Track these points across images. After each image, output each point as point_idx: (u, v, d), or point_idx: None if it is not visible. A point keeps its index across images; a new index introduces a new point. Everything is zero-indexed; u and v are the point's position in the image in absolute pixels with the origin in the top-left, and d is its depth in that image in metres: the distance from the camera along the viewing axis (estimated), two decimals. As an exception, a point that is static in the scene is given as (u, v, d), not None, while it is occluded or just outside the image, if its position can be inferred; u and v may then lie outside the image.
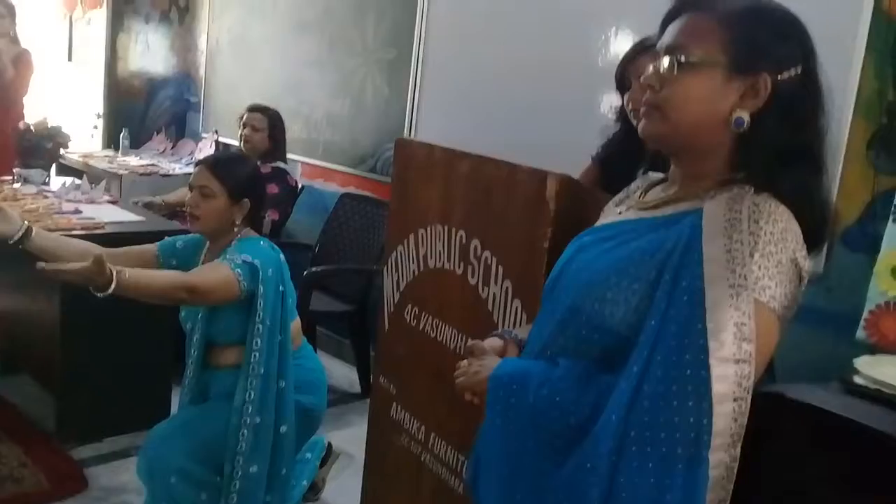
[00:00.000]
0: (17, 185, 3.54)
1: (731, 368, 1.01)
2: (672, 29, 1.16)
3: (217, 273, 2.07)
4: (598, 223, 1.38)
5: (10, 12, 4.63)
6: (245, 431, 2.16)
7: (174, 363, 3.27)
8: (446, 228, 1.97)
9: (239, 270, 2.07)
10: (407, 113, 3.71)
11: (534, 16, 3.15)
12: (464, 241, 1.91)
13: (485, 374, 1.30)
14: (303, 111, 4.25)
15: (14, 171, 3.75)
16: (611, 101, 2.84)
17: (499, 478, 1.27)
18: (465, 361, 1.39)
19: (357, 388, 3.71)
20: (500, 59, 3.25)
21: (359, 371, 3.73)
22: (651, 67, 1.15)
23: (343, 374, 3.84)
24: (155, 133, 5.37)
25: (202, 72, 5.02)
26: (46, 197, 3.35)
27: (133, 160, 4.84)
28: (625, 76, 1.93)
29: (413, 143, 2.21)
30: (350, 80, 4.03)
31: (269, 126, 3.75)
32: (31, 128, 4.21)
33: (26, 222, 2.11)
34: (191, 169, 4.63)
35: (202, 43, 5.03)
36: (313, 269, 3.64)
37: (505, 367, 1.30)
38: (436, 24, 3.56)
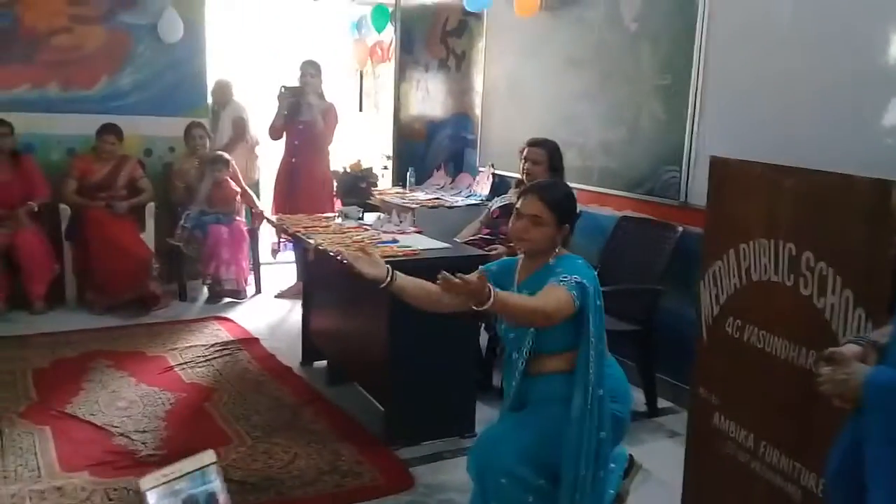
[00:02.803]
0: (338, 221, 4.07)
1: None
2: None
3: (560, 296, 2.22)
4: None
5: (318, 72, 5.34)
6: (581, 440, 2.29)
7: (477, 379, 3.61)
8: (772, 242, 2.03)
9: (575, 292, 2.23)
10: (686, 135, 3.77)
11: (813, 23, 3.12)
12: (793, 253, 1.96)
13: (856, 381, 1.35)
14: (577, 141, 4.46)
15: (335, 208, 4.29)
16: (894, 111, 2.77)
17: (884, 492, 1.31)
18: (827, 368, 1.44)
19: (643, 408, 3.75)
20: (782, 73, 3.24)
21: (645, 390, 3.76)
22: None
23: (627, 392, 3.92)
24: (435, 170, 5.86)
25: (478, 111, 5.43)
26: (366, 230, 3.81)
27: (420, 195, 5.34)
28: None
29: (730, 161, 2.28)
30: (624, 108, 4.17)
31: (548, 158, 3.94)
32: (348, 169, 4.77)
33: (389, 267, 2.37)
34: (471, 201, 5.07)
35: (478, 84, 5.44)
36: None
37: (880, 375, 1.34)
38: (714, 46, 3.61)
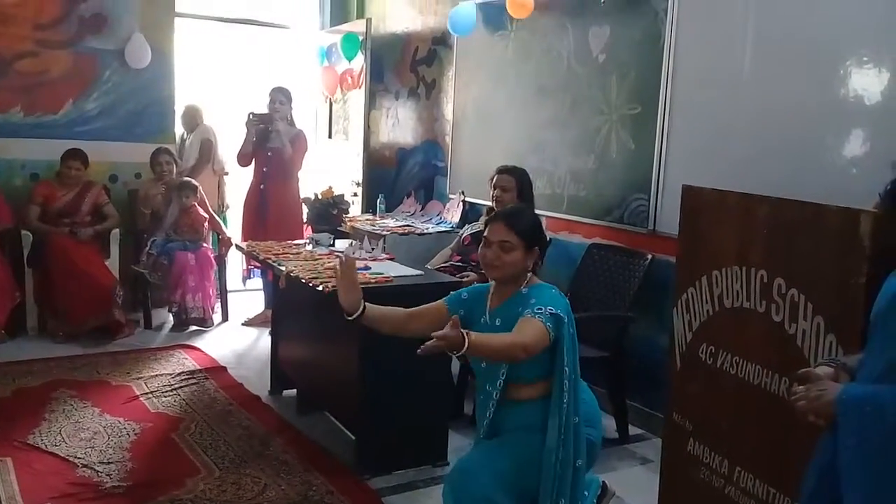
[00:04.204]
0: (309, 247, 4.04)
1: None
2: None
3: (536, 329, 2.23)
4: None
5: (289, 99, 5.34)
6: (558, 467, 2.30)
7: (449, 407, 3.59)
8: (744, 269, 2.07)
9: (550, 323, 2.24)
10: (654, 164, 3.84)
11: (778, 56, 3.21)
12: (765, 280, 2.00)
13: (829, 398, 1.39)
14: (547, 169, 4.50)
15: (305, 235, 4.27)
16: (858, 140, 2.86)
17: (861, 494, 1.34)
18: (801, 387, 1.48)
19: (614, 434, 3.75)
20: (748, 104, 3.32)
21: (616, 417, 3.78)
22: None
23: (596, 419, 3.93)
24: (405, 197, 5.86)
25: (448, 139, 5.47)
26: (338, 256, 3.79)
27: (390, 222, 5.33)
28: None
29: (703, 190, 2.32)
30: (593, 136, 4.23)
31: (517, 185, 3.97)
32: (319, 196, 4.76)
33: (363, 301, 2.37)
34: (442, 228, 5.08)
35: (448, 112, 5.48)
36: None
37: (852, 390, 1.39)
38: (681, 77, 3.68)
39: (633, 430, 3.80)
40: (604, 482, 2.97)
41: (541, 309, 2.28)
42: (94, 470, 3.17)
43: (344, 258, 2.48)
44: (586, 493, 2.88)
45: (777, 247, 1.95)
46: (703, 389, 2.20)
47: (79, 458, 3.27)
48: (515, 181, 3.98)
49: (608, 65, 4.12)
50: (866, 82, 2.88)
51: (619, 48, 4.05)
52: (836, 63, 2.96)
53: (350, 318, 2.40)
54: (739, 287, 2.06)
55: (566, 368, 2.31)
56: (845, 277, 1.75)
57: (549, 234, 4.31)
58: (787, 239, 1.92)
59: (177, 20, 5.88)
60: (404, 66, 5.98)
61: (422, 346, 2.04)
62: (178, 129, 6.09)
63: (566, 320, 2.35)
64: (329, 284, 3.14)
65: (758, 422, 1.92)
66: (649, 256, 3.81)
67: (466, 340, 2.05)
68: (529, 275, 2.48)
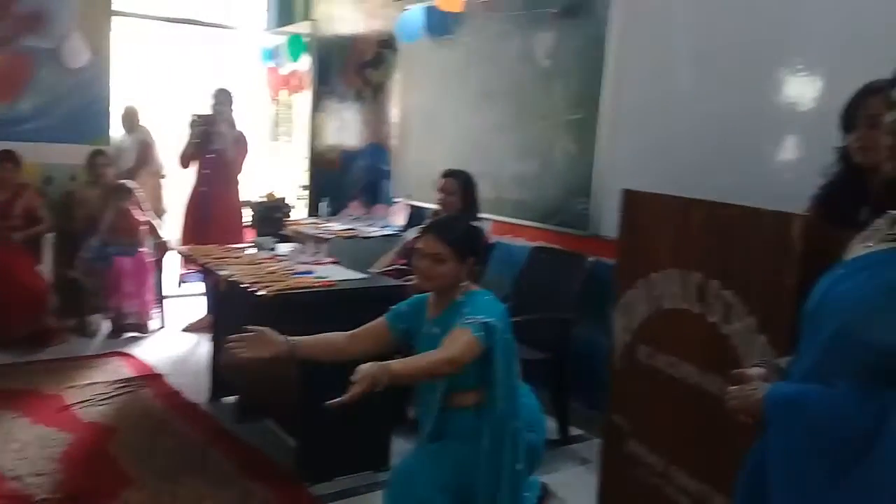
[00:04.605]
0: (252, 251, 3.97)
1: None
2: None
3: (464, 341, 2.22)
4: (849, 257, 1.48)
5: (229, 100, 5.25)
6: (494, 472, 2.30)
7: (393, 412, 3.56)
8: (681, 271, 2.10)
9: (480, 333, 2.23)
10: (595, 168, 3.88)
11: (714, 65, 3.28)
12: (701, 282, 2.03)
13: (759, 396, 1.41)
14: (491, 172, 4.51)
15: (247, 238, 4.20)
16: (792, 146, 2.94)
17: (783, 491, 1.36)
18: (733, 388, 1.50)
19: (556, 436, 3.75)
20: (686, 110, 3.38)
21: (557, 418, 3.81)
22: (889, 116, 1.29)
23: (539, 420, 3.95)
24: (350, 200, 5.82)
25: (394, 142, 5.44)
26: (281, 261, 3.74)
27: (335, 225, 5.28)
28: (852, 117, 1.99)
29: (641, 193, 2.35)
30: (537, 141, 4.26)
31: (461, 189, 3.99)
32: (262, 200, 4.69)
33: (286, 338, 2.28)
34: (387, 231, 5.05)
35: (394, 116, 5.46)
36: (513, 319, 3.81)
37: (778, 389, 1.41)
38: (621, 84, 3.74)
39: (574, 431, 3.82)
40: (544, 484, 2.99)
41: (471, 319, 2.26)
42: (24, 482, 3.05)
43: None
44: (527, 493, 2.90)
45: (712, 249, 1.98)
46: (641, 390, 2.23)
47: (8, 469, 3.15)
48: (460, 185, 3.99)
49: (552, 71, 4.16)
50: (799, 91, 2.95)
51: (563, 54, 4.09)
52: (771, 72, 3.03)
53: (286, 359, 2.33)
54: (676, 289, 2.10)
55: (499, 375, 2.30)
56: (777, 278, 1.79)
57: (493, 238, 4.33)
58: (721, 241, 1.96)
59: (117, 19, 5.73)
60: (350, 68, 5.94)
61: (337, 400, 2.00)
62: (116, 131, 5.93)
63: (500, 327, 2.34)
64: (272, 288, 3.09)
65: (694, 421, 1.94)
66: (591, 259, 3.85)
67: (390, 375, 2.03)
68: (466, 283, 2.47)
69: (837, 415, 1.26)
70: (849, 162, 1.98)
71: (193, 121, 5.10)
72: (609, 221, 3.72)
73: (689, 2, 3.40)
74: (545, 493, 2.97)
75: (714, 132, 3.23)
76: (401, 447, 3.38)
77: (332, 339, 2.44)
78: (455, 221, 2.64)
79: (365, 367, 2.03)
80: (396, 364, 2.10)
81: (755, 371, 1.55)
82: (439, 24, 4.86)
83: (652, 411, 2.18)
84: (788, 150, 3.01)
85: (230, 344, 2.26)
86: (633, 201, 2.32)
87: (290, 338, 2.31)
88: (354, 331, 2.47)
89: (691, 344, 2.06)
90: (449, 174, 4.03)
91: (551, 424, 3.76)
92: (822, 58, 2.88)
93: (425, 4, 4.96)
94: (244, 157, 5.27)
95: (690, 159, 3.31)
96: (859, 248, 1.44)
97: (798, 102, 2.95)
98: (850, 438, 1.24)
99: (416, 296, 2.61)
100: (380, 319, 2.51)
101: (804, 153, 2.91)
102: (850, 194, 1.85)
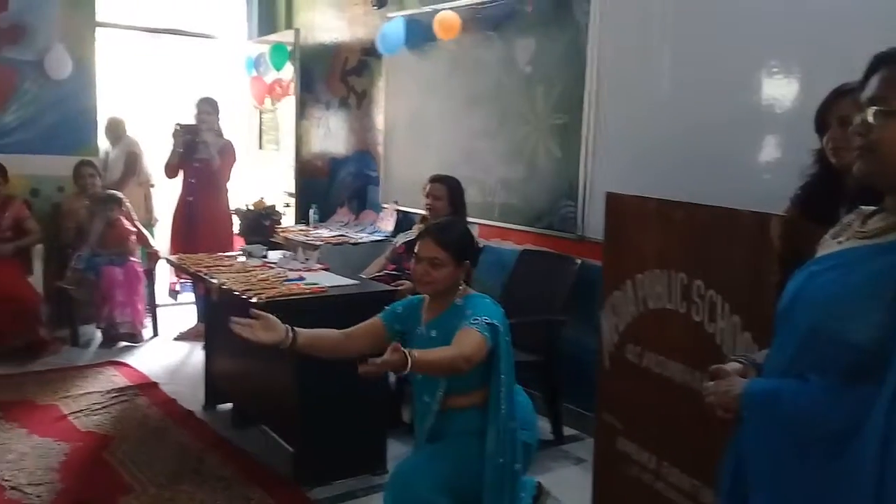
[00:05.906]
0: (242, 259, 4.01)
1: None
2: (873, 82, 1.32)
3: (475, 340, 2.27)
4: (821, 254, 1.52)
5: (215, 109, 5.28)
6: (498, 472, 2.34)
7: (387, 416, 3.61)
8: (665, 272, 2.16)
9: (487, 334, 2.28)
10: (580, 171, 3.95)
11: (694, 69, 3.36)
12: (685, 282, 2.10)
13: (736, 392, 1.44)
14: (478, 177, 4.57)
15: (236, 246, 4.23)
16: (771, 148, 3.02)
17: (760, 486, 1.41)
18: (711, 383, 1.52)
19: (549, 436, 3.81)
20: (668, 114, 3.46)
21: (550, 418, 3.86)
22: (858, 117, 1.32)
23: (531, 421, 4.01)
24: (338, 207, 5.86)
25: (381, 148, 5.50)
26: (272, 268, 3.78)
27: (324, 232, 5.33)
28: (824, 119, 2.05)
29: (625, 196, 2.42)
30: (522, 146, 4.33)
31: (448, 194, 4.05)
32: (251, 207, 4.72)
33: (288, 327, 2.30)
34: (376, 237, 5.10)
35: (379, 122, 5.51)
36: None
37: (756, 384, 1.44)
38: (604, 89, 3.81)
39: (567, 431, 3.88)
40: (539, 483, 3.04)
41: (477, 319, 2.31)
42: (23, 492, 3.08)
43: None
44: (523, 493, 2.96)
45: (694, 250, 2.05)
46: (630, 388, 2.29)
47: (6, 480, 3.17)
48: (447, 190, 4.04)
49: (534, 76, 4.23)
50: (778, 93, 3.04)
51: (545, 60, 4.16)
52: (750, 74, 3.11)
53: (285, 349, 2.37)
54: (661, 289, 2.16)
55: (503, 376, 2.35)
56: (758, 278, 1.86)
57: (481, 242, 4.39)
58: (703, 242, 2.02)
59: (100, 30, 5.75)
60: (334, 76, 5.98)
61: (362, 367, 2.03)
62: (103, 142, 5.94)
63: (502, 330, 2.39)
64: (264, 296, 3.14)
65: (681, 418, 2.01)
66: (579, 261, 3.92)
67: (409, 360, 2.07)
68: (463, 286, 2.52)
69: (814, 410, 1.29)
70: (825, 163, 2.03)
71: (176, 131, 5.12)
72: (596, 224, 3.79)
73: (668, 7, 3.48)
74: (540, 492, 3.01)
75: (696, 134, 3.31)
76: (397, 450, 3.43)
77: (330, 334, 2.47)
78: (452, 225, 2.67)
79: (388, 354, 2.05)
80: (418, 354, 2.13)
81: (732, 366, 1.57)
82: (420, 35, 4.91)
83: (641, 409, 2.25)
84: (767, 151, 3.09)
85: (234, 324, 2.28)
86: (616, 204, 2.38)
87: (291, 328, 2.35)
88: (350, 329, 2.50)
89: (677, 343, 2.12)
90: (436, 179, 4.08)
91: (545, 425, 3.83)
92: (799, 60, 2.96)
93: (406, 14, 5.01)
94: (232, 165, 5.30)
95: (674, 161, 3.39)
96: (831, 243, 1.46)
97: (775, 105, 3.04)
98: (826, 433, 1.26)
99: (410, 297, 2.66)
100: (375, 319, 2.54)
101: (782, 155, 2.99)
102: (828, 194, 1.90)
